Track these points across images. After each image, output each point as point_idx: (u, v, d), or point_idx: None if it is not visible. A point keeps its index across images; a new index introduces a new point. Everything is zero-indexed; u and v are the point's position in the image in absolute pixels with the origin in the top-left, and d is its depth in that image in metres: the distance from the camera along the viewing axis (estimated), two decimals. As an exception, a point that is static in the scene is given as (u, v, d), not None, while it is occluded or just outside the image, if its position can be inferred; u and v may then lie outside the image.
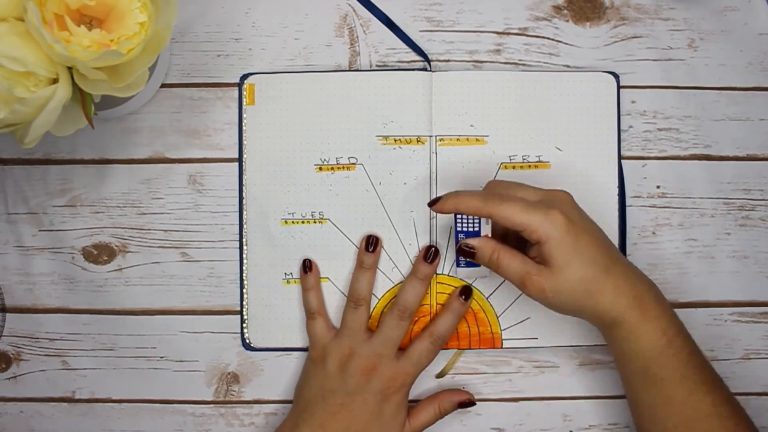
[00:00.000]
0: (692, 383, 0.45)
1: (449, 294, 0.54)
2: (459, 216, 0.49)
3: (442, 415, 0.53)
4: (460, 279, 0.54)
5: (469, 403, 0.53)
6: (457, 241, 0.49)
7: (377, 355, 0.51)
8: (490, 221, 0.49)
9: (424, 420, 0.53)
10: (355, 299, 0.53)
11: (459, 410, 0.54)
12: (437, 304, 0.54)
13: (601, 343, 0.54)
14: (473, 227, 0.49)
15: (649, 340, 0.45)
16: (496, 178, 0.54)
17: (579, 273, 0.45)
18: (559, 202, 0.47)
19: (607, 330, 0.47)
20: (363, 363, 0.51)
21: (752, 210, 0.56)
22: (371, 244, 0.53)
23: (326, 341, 0.53)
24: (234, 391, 0.56)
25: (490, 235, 0.49)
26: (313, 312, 0.54)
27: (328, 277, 0.55)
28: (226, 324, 0.56)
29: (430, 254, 0.53)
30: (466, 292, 0.53)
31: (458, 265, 0.51)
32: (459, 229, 0.49)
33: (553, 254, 0.45)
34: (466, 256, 0.49)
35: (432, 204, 0.49)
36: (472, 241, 0.48)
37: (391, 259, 0.54)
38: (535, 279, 0.46)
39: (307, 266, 0.54)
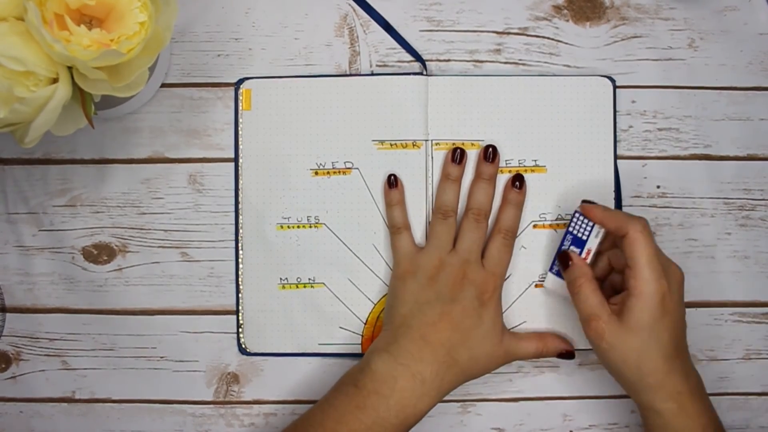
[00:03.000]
0: None
1: (503, 186, 0.54)
2: (577, 217, 0.50)
3: (541, 354, 0.52)
4: (547, 287, 0.53)
5: (569, 354, 0.53)
6: (561, 246, 0.51)
7: (464, 261, 0.51)
8: (600, 235, 0.50)
9: (526, 349, 0.52)
10: (443, 211, 0.52)
11: (560, 359, 0.54)
12: None
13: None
14: (584, 234, 0.50)
15: None
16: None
17: (641, 343, 0.45)
18: (672, 274, 0.47)
19: (643, 411, 0.48)
20: (453, 272, 0.50)
21: (752, 210, 0.56)
22: (458, 155, 0.53)
23: (413, 254, 0.52)
24: (234, 391, 0.56)
25: (594, 249, 0.50)
26: (399, 227, 0.53)
27: (323, 283, 0.55)
28: (226, 324, 0.56)
29: (489, 154, 0.53)
30: (519, 179, 0.53)
31: (551, 270, 0.52)
32: (570, 229, 0.50)
33: (633, 311, 0.45)
34: (562, 263, 0.50)
35: (586, 201, 0.50)
36: (575, 256, 0.49)
37: (386, 262, 0.54)
38: (601, 324, 0.46)
39: (392, 182, 0.53)
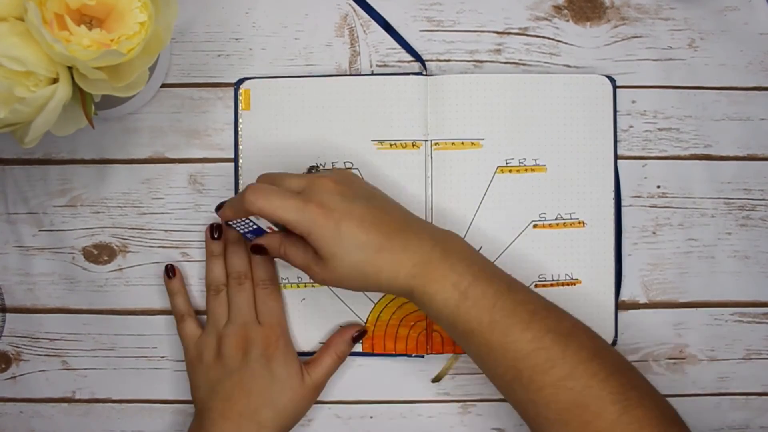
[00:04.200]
0: (503, 326, 0.44)
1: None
2: (233, 221, 0.49)
3: (341, 357, 0.53)
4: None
5: (360, 333, 0.54)
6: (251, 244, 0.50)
7: (241, 326, 0.51)
8: (261, 218, 0.48)
9: (324, 367, 0.53)
10: (214, 287, 0.53)
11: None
12: None
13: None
14: (251, 226, 0.49)
15: (442, 300, 0.45)
16: (492, 183, 0.54)
17: (347, 261, 0.45)
18: (318, 191, 0.46)
19: (407, 298, 0.47)
20: (233, 340, 0.51)
21: (753, 210, 0.56)
22: (215, 231, 0.54)
23: (197, 338, 0.53)
24: (234, 391, 0.56)
25: (272, 225, 0.49)
26: (183, 314, 0.54)
27: None
28: (227, 324, 0.56)
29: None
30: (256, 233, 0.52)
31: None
32: (243, 231, 0.50)
33: (317, 248, 0.45)
34: (258, 252, 0.50)
35: (217, 210, 0.50)
36: (260, 240, 0.49)
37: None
38: (314, 271, 0.46)
39: (170, 271, 0.54)
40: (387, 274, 0.45)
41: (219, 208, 0.50)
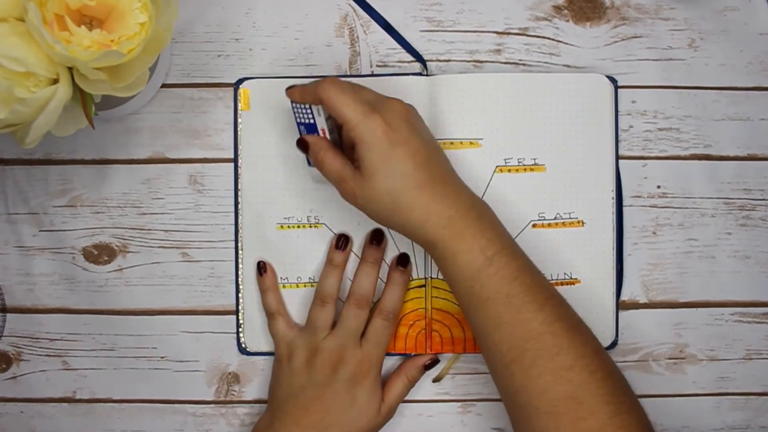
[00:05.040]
0: (519, 302, 0.44)
1: (391, 269, 0.53)
2: (295, 104, 0.48)
3: (412, 383, 0.54)
4: (314, 180, 0.53)
5: (433, 362, 0.54)
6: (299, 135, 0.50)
7: (341, 346, 0.51)
8: (321, 113, 0.48)
9: (397, 393, 0.53)
10: (321, 297, 0.53)
11: (429, 378, 0.54)
12: (432, 308, 0.54)
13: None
14: (308, 119, 0.49)
15: (466, 260, 0.44)
16: (491, 183, 0.54)
17: (386, 184, 0.44)
18: (389, 109, 0.45)
19: (428, 250, 0.46)
20: (328, 356, 0.51)
21: (753, 210, 0.56)
22: (342, 242, 0.53)
23: (290, 338, 0.53)
24: (235, 391, 0.56)
25: (326, 127, 0.48)
26: (273, 312, 0.54)
27: None
28: (227, 324, 0.56)
29: (375, 238, 0.53)
30: (402, 260, 0.53)
31: (309, 164, 0.51)
32: (297, 120, 0.49)
33: (364, 159, 0.44)
34: (302, 148, 0.49)
35: (289, 88, 0.48)
36: (308, 137, 0.48)
37: (386, 262, 0.54)
38: (348, 184, 0.45)
39: (262, 268, 0.54)
40: (418, 214, 0.44)
41: (291, 87, 0.48)
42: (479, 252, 0.44)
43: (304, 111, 0.48)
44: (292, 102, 0.49)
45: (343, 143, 0.50)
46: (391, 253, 0.54)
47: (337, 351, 0.51)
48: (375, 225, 0.54)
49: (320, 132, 0.49)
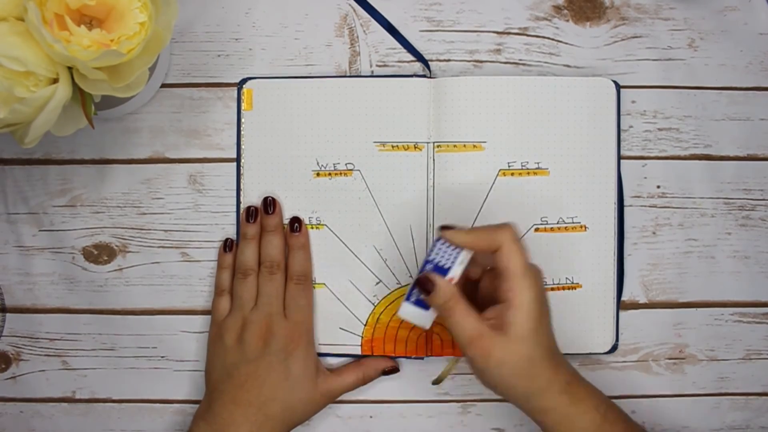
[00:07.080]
0: None
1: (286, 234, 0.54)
2: (442, 243, 0.46)
3: (364, 381, 0.54)
4: (402, 317, 0.47)
5: (393, 370, 0.54)
6: (421, 271, 0.46)
7: (267, 315, 0.52)
8: (466, 261, 0.46)
9: (345, 382, 0.53)
10: (243, 270, 0.53)
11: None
12: None
13: (596, 351, 0.54)
14: (447, 261, 0.46)
15: (584, 420, 0.45)
16: (494, 186, 0.54)
17: (530, 351, 0.43)
18: (537, 271, 0.45)
19: (537, 416, 0.46)
20: (257, 329, 0.51)
21: (752, 210, 0.56)
22: (251, 215, 0.54)
23: (222, 318, 0.53)
24: (234, 391, 0.56)
25: (457, 277, 0.45)
26: (222, 289, 0.54)
27: (324, 283, 0.55)
28: (227, 324, 0.56)
29: (268, 205, 0.54)
30: (296, 221, 0.54)
31: (407, 299, 0.47)
32: (431, 258, 0.46)
33: (516, 322, 0.43)
34: (423, 290, 0.45)
35: (444, 228, 0.46)
36: (436, 278, 0.45)
37: (386, 264, 0.54)
38: (485, 342, 0.43)
39: (228, 245, 0.55)
40: (541, 381, 0.44)
41: (445, 228, 0.46)
42: (595, 410, 0.45)
43: (447, 252, 0.46)
44: (437, 239, 0.46)
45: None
46: (391, 253, 0.55)
47: (265, 322, 0.51)
48: (375, 225, 0.54)
49: (448, 280, 0.45)
